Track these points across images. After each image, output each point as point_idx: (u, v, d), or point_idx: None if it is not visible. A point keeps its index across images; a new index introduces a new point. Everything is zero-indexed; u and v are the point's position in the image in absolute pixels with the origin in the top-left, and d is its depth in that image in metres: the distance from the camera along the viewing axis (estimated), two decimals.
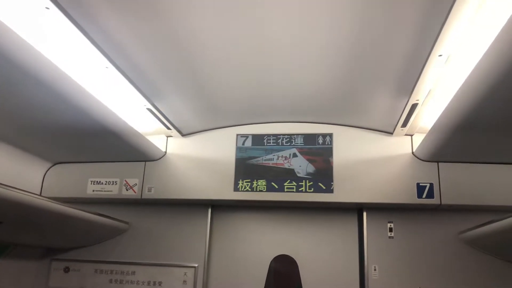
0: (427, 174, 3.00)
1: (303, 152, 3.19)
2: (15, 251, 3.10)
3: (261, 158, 3.23)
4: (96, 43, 1.97)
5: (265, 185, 3.15)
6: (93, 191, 3.34)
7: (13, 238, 2.89)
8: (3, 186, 2.00)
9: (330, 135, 3.20)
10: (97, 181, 3.35)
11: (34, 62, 1.87)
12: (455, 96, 2.11)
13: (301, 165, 3.16)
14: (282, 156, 3.21)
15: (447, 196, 2.94)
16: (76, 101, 2.26)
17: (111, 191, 3.31)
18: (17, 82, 1.97)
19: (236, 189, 3.18)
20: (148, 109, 2.76)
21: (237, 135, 3.32)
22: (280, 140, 3.25)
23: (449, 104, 2.21)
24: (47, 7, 1.65)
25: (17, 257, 3.17)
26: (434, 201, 2.94)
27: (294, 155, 3.19)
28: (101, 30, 1.93)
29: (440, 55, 1.94)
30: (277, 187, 3.13)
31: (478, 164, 2.95)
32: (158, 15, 1.89)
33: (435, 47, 1.88)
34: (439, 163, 3.01)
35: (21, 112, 2.36)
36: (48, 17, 1.72)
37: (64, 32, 1.83)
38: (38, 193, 3.36)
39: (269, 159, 3.22)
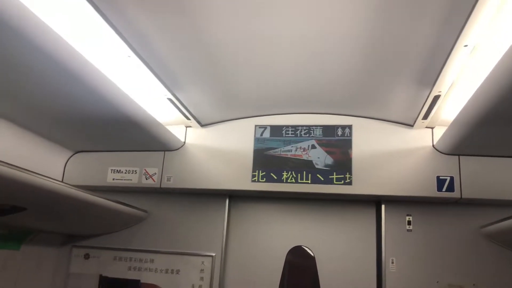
0: (448, 167, 2.96)
1: (321, 144, 3.18)
2: (37, 238, 3.17)
3: (279, 149, 3.23)
4: (119, 31, 1.99)
5: (284, 176, 3.15)
6: (113, 179, 3.39)
7: (35, 224, 2.95)
8: (28, 172, 2.04)
9: (350, 126, 3.18)
10: (117, 170, 3.40)
11: (60, 50, 1.89)
12: (479, 88, 2.07)
13: (320, 157, 3.15)
14: (300, 148, 3.20)
15: (468, 189, 2.90)
16: (100, 91, 2.29)
17: (131, 179, 3.36)
18: (44, 72, 2.00)
19: (253, 179, 3.19)
20: (169, 99, 2.79)
21: (256, 126, 3.32)
22: (298, 132, 3.24)
23: (473, 96, 2.17)
24: None
25: (39, 243, 3.24)
26: (455, 194, 2.90)
27: (313, 147, 3.19)
28: (125, 19, 1.95)
29: (466, 45, 1.90)
30: (297, 178, 3.13)
31: (500, 158, 2.90)
32: (181, 6, 1.90)
33: (460, 37, 1.85)
34: (460, 156, 2.96)
35: (46, 101, 2.40)
36: (73, 4, 1.74)
37: (89, 21, 1.86)
38: (60, 180, 3.42)
39: (288, 150, 3.22)
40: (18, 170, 1.96)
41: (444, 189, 2.92)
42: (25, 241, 3.06)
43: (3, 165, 1.86)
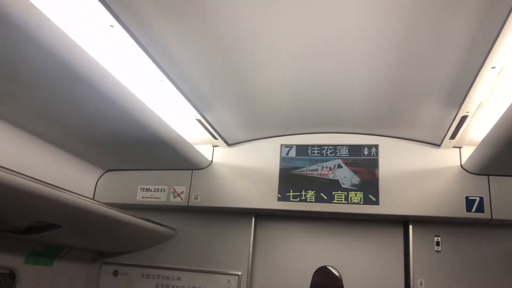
0: (477, 188, 2.93)
1: (348, 163, 3.19)
2: (69, 254, 3.25)
3: (305, 168, 3.25)
4: (152, 56, 2.07)
5: (310, 196, 3.16)
6: (143, 197, 3.47)
7: (68, 241, 3.04)
8: (62, 190, 2.12)
9: (376, 146, 3.18)
10: (146, 188, 3.48)
11: (95, 74, 1.98)
12: (509, 108, 2.06)
13: (346, 176, 3.16)
14: (326, 167, 3.22)
15: (499, 210, 2.85)
16: (131, 112, 2.37)
17: (159, 198, 3.43)
18: (79, 94, 2.10)
19: (279, 198, 3.21)
20: (198, 119, 2.86)
21: (282, 145, 3.36)
22: (324, 151, 3.27)
23: (502, 116, 2.17)
24: (111, 25, 1.77)
25: (71, 260, 3.33)
26: (485, 215, 2.86)
27: (339, 166, 3.20)
28: (157, 44, 2.04)
29: (493, 67, 1.91)
30: (323, 198, 3.14)
31: None
32: (210, 30, 1.98)
33: (488, 59, 1.86)
34: (490, 177, 2.93)
35: (80, 121, 2.51)
36: (111, 33, 1.83)
37: (124, 47, 1.95)
38: (91, 198, 3.52)
39: (314, 170, 3.23)
40: (52, 188, 2.04)
41: (473, 210, 2.88)
42: (58, 257, 3.15)
43: (41, 184, 1.94)
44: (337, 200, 3.11)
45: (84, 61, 1.88)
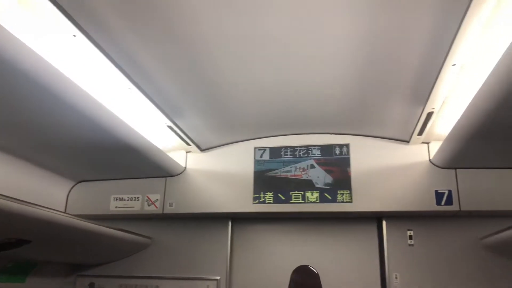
0: (445, 181, 3.01)
1: (320, 163, 3.23)
2: (42, 269, 3.17)
3: (279, 170, 3.28)
4: (119, 65, 2.05)
5: (285, 197, 3.19)
6: (116, 207, 3.42)
7: (40, 256, 2.97)
8: (31, 205, 2.07)
9: (347, 145, 3.24)
10: (119, 198, 3.43)
11: (59, 84, 1.94)
12: (470, 103, 2.13)
13: (319, 176, 3.20)
14: (300, 168, 3.25)
15: (466, 202, 2.94)
16: (100, 120, 2.34)
17: (133, 207, 3.39)
18: (42, 103, 2.04)
19: (255, 201, 3.23)
20: (169, 126, 2.84)
21: (255, 148, 3.37)
22: (297, 152, 3.30)
23: (465, 111, 2.24)
24: (74, 34, 1.74)
25: (44, 275, 3.24)
26: (453, 207, 2.94)
27: (312, 166, 3.23)
28: (123, 53, 2.02)
29: (454, 65, 1.98)
30: (298, 198, 3.17)
31: (496, 170, 2.95)
32: (177, 37, 1.97)
33: (448, 57, 1.92)
34: (457, 170, 3.02)
35: (46, 131, 2.45)
36: (75, 43, 1.81)
37: (88, 56, 1.93)
38: (63, 211, 3.44)
39: (287, 171, 3.26)
40: (21, 204, 1.99)
41: (443, 203, 2.97)
42: (31, 273, 3.07)
43: (6, 199, 1.89)
44: (311, 200, 3.15)
45: (48, 71, 1.85)
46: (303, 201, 3.16)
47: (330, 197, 3.12)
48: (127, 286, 3.45)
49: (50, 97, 1.97)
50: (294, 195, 3.18)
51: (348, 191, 3.12)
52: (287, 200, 3.18)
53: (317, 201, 3.14)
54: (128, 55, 2.04)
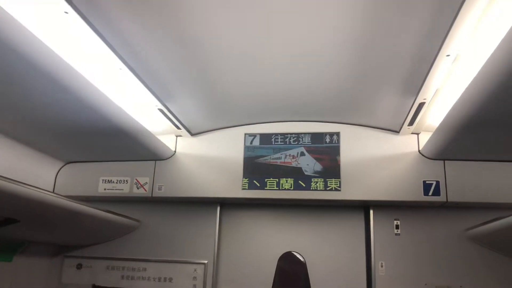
0: (434, 172, 3.04)
1: (310, 151, 3.24)
2: (29, 248, 3.16)
3: (269, 157, 3.28)
4: (110, 44, 2.02)
5: (274, 184, 3.20)
6: (105, 189, 3.40)
7: (28, 235, 2.96)
8: (20, 184, 2.06)
9: (337, 134, 3.24)
10: (108, 180, 3.41)
11: (49, 61, 1.91)
12: (462, 94, 2.14)
13: (309, 164, 3.21)
14: (289, 155, 3.26)
15: (454, 193, 2.97)
16: (90, 101, 2.31)
17: (122, 189, 3.38)
18: (32, 82, 2.02)
19: (244, 187, 3.23)
20: (159, 109, 2.82)
21: (245, 134, 3.37)
22: (287, 139, 3.30)
23: (456, 103, 2.25)
24: (66, 11, 1.71)
25: (31, 254, 3.24)
26: (441, 198, 2.98)
27: (302, 154, 3.24)
28: (115, 32, 1.99)
29: (448, 55, 1.98)
30: (287, 185, 3.18)
31: (484, 162, 2.98)
32: (170, 19, 1.95)
33: (443, 47, 1.92)
34: (446, 161, 3.04)
35: (34, 111, 2.42)
36: (66, 20, 1.77)
37: (80, 34, 1.89)
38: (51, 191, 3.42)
39: (277, 158, 3.27)
40: (9, 182, 1.98)
41: (430, 193, 3.00)
42: (17, 252, 3.06)
43: None
44: (300, 188, 3.16)
45: (37, 48, 1.82)
46: (292, 189, 3.17)
47: (319, 185, 3.13)
48: (115, 267, 3.46)
49: (40, 76, 1.95)
50: (282, 182, 3.18)
51: (337, 179, 3.13)
52: (275, 187, 3.19)
53: (306, 189, 3.15)
54: (120, 35, 2.01)
